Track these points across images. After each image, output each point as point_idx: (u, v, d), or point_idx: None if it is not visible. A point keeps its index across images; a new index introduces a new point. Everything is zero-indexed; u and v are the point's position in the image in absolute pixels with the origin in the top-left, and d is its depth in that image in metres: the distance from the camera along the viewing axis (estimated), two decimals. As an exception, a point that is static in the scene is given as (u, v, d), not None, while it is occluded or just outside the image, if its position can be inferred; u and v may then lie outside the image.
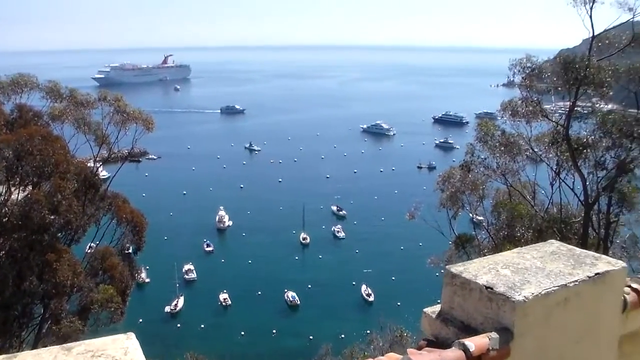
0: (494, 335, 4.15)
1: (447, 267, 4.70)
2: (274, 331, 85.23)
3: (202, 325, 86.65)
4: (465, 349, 3.97)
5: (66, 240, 35.90)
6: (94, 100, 41.02)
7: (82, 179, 37.24)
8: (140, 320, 79.29)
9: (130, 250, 42.28)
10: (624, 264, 4.99)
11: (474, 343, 4.01)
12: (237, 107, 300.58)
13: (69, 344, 3.86)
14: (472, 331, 4.36)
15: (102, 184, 43.51)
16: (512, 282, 4.39)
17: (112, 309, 35.67)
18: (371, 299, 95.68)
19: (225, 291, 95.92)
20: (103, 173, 53.78)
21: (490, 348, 4.06)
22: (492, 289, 4.30)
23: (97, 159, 42.77)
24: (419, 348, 4.39)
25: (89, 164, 41.59)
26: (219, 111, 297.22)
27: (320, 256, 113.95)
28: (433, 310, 4.75)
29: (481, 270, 4.59)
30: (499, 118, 40.33)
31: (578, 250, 5.20)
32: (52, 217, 32.43)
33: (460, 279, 4.52)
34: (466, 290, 4.47)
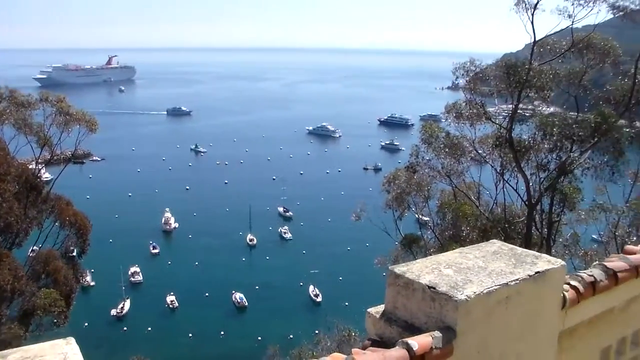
0: (437, 334, 4.21)
1: (390, 267, 4.75)
2: (222, 333, 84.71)
3: (149, 328, 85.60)
4: (408, 348, 4.02)
5: (7, 244, 35.18)
6: (35, 101, 40.24)
7: (23, 181, 36.53)
8: (86, 324, 78.13)
9: (74, 254, 41.65)
10: (563, 263, 5.11)
11: (417, 342, 4.07)
12: (184, 108, 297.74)
13: (4, 351, 3.78)
14: (415, 330, 4.42)
15: (45, 186, 42.75)
16: (454, 281, 4.46)
17: (55, 313, 35.07)
18: (319, 299, 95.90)
19: (172, 293, 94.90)
20: (46, 175, 52.86)
21: (434, 347, 4.12)
22: (434, 288, 4.36)
23: (39, 160, 42.00)
24: (364, 348, 4.44)
25: (30, 166, 40.84)
26: (165, 113, 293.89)
27: (267, 257, 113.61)
28: (377, 310, 4.79)
29: (424, 270, 4.65)
30: (443, 120, 40.84)
31: (519, 249, 5.31)
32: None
33: (404, 279, 4.57)
34: (409, 290, 4.52)
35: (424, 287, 4.42)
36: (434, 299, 4.35)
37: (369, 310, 4.85)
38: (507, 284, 4.56)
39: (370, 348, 4.35)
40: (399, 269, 4.70)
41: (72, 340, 4.02)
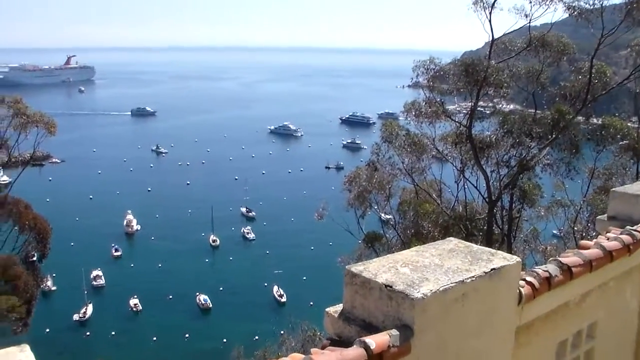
0: (395, 332, 4.25)
1: (347, 267, 4.79)
2: (187, 335, 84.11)
3: (113, 332, 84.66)
4: (366, 347, 4.06)
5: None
6: (-9, 102, 39.66)
7: (-20, 185, 36.00)
8: (48, 330, 77.13)
9: (34, 258, 41.14)
10: (519, 259, 5.19)
11: (374, 341, 4.10)
12: (148, 109, 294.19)
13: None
14: (373, 329, 4.45)
15: (3, 189, 42.19)
16: (411, 280, 4.51)
17: (14, 319, 34.59)
18: (283, 299, 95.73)
19: (135, 296, 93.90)
20: (4, 178, 52.17)
21: (391, 345, 4.16)
22: (391, 287, 4.40)
23: (-3, 164, 41.43)
24: (323, 347, 4.47)
25: (-13, 170, 40.29)
26: (129, 113, 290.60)
27: (230, 258, 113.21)
28: (335, 309, 4.82)
29: (381, 269, 4.69)
30: (401, 118, 41.15)
31: (475, 247, 5.38)
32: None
33: (361, 278, 4.61)
34: (366, 289, 4.56)
35: (380, 286, 4.46)
36: (391, 297, 4.39)
37: (327, 309, 4.88)
38: (463, 281, 4.61)
39: (329, 347, 4.38)
40: (356, 268, 4.73)
41: (26, 347, 3.94)
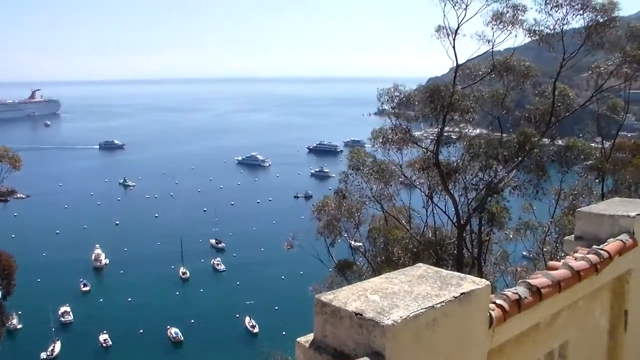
0: (366, 360, 4.22)
1: (316, 296, 4.75)
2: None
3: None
4: (337, 376, 4.02)
5: None
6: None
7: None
8: (13, 370, 75.81)
9: (-1, 296, 40.52)
10: (488, 282, 5.19)
11: (346, 369, 4.06)
12: (116, 142, 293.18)
13: None
14: (345, 358, 4.41)
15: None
16: (381, 307, 4.47)
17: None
18: (256, 330, 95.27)
19: (105, 331, 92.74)
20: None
21: (362, 373, 4.12)
22: (361, 315, 4.36)
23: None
24: (294, 377, 4.42)
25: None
26: (97, 147, 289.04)
27: (201, 290, 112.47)
28: (306, 339, 4.77)
29: (350, 297, 4.65)
30: (367, 145, 41.37)
31: (444, 272, 5.36)
32: None
33: (331, 307, 4.56)
34: (337, 318, 4.52)
35: (350, 315, 4.42)
36: (362, 325, 4.35)
37: (298, 339, 4.82)
38: (433, 306, 4.59)
39: (300, 377, 4.33)
40: (326, 297, 4.69)
41: None
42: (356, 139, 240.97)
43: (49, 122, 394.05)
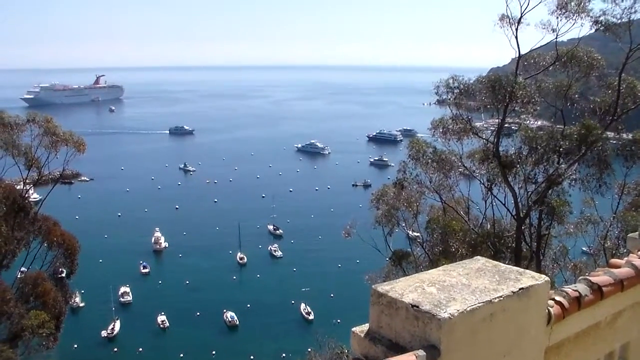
0: (421, 353, 4.17)
1: (373, 286, 4.72)
2: (214, 352, 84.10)
3: (140, 349, 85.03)
4: (391, 368, 3.99)
5: (-6, 266, 34.97)
6: (23, 121, 40.16)
7: (10, 203, 36.34)
8: (76, 345, 77.76)
9: (63, 274, 41.43)
10: (547, 278, 5.09)
11: (400, 361, 4.03)
12: (186, 127, 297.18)
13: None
14: (400, 349, 4.38)
15: (33, 207, 42.58)
16: (437, 299, 4.43)
17: (44, 335, 34.80)
18: (311, 317, 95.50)
19: (162, 313, 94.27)
20: (35, 196, 52.66)
21: (417, 366, 4.08)
22: (418, 307, 4.32)
23: (27, 181, 41.84)
24: (349, 367, 4.41)
25: (18, 187, 40.67)
26: (167, 132, 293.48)
27: (258, 275, 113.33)
28: (362, 329, 4.75)
29: (407, 288, 4.61)
30: (419, 135, 40.91)
31: (503, 266, 5.28)
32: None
33: (387, 298, 4.53)
34: (393, 309, 4.48)
35: (407, 306, 4.38)
36: (418, 317, 4.31)
37: (353, 329, 4.81)
38: (490, 301, 4.52)
39: (355, 368, 4.32)
40: (382, 287, 4.66)
41: None
42: (408, 128, 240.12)
43: (113, 108, 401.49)
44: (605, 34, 35.42)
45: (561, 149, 35.13)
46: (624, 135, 39.06)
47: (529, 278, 4.99)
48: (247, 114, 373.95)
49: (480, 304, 4.45)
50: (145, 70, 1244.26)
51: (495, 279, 4.94)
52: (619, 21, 34.29)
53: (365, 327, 4.79)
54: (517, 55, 35.75)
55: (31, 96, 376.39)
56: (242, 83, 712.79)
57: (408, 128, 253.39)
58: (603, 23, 34.62)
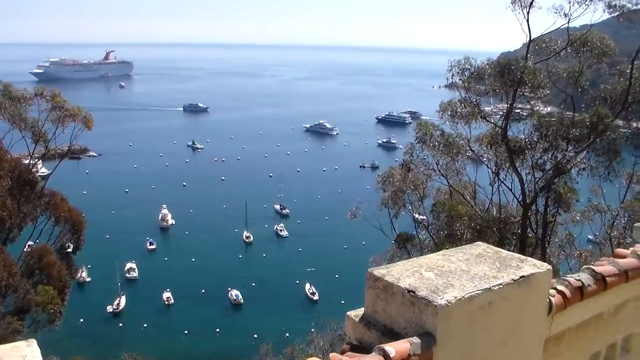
0: (416, 340, 4.09)
1: (369, 269, 4.63)
2: (218, 330, 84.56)
3: (145, 325, 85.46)
4: (385, 355, 3.90)
5: (0, 239, 35.06)
6: (30, 95, 40.09)
7: (17, 176, 36.39)
8: (81, 320, 78.16)
9: (69, 249, 41.58)
10: (549, 267, 4.99)
11: (394, 348, 3.94)
12: (201, 105, 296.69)
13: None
14: (395, 335, 4.30)
15: (40, 181, 42.67)
16: (435, 285, 4.33)
17: (52, 312, 34.98)
18: (315, 297, 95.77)
19: (168, 290, 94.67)
20: (42, 170, 52.76)
21: (412, 353, 4.00)
22: (414, 292, 4.23)
23: (35, 155, 41.89)
24: (342, 352, 4.33)
25: (25, 161, 40.73)
26: (182, 109, 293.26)
27: (263, 255, 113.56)
28: (356, 313, 4.68)
29: (404, 273, 4.52)
30: (423, 117, 40.69)
31: (504, 252, 5.18)
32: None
33: (383, 282, 4.44)
34: (389, 293, 4.40)
35: (403, 291, 4.29)
36: (414, 303, 4.23)
37: (348, 313, 4.73)
38: (490, 288, 4.43)
39: (348, 353, 4.23)
40: (378, 271, 4.57)
41: (33, 342, 3.94)
42: (413, 110, 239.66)
43: (123, 84, 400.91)
44: (619, 20, 35.06)
45: (570, 136, 34.88)
46: (634, 124, 38.80)
47: (531, 266, 4.90)
48: (254, 92, 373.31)
49: (479, 292, 4.36)
50: (154, 46, 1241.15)
51: (496, 265, 4.84)
52: (634, 7, 33.92)
53: (360, 311, 4.71)
54: (528, 40, 35.45)
55: (41, 71, 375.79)
56: (250, 62, 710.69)
57: (413, 110, 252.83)
58: (618, 8, 34.21)
